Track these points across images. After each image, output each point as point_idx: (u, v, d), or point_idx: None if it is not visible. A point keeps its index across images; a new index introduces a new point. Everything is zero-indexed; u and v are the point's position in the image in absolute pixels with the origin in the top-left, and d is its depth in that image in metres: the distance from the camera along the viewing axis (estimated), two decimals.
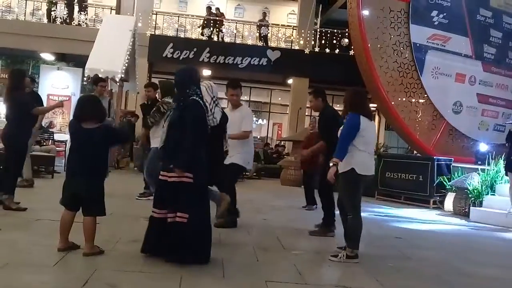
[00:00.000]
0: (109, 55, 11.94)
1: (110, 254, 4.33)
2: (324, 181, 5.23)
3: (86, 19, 18.02)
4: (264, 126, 22.41)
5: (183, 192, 4.19)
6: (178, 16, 19.91)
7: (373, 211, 8.88)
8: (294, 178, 12.66)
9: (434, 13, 12.77)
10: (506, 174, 8.88)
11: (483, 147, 11.99)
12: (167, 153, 4.30)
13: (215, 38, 19.05)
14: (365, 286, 4.19)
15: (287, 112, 20.03)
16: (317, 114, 6.79)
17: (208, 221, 4.36)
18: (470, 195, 9.42)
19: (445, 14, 12.88)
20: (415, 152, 13.11)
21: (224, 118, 5.32)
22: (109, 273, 3.79)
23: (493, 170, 9.69)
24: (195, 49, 18.08)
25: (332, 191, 6.11)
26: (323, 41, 19.14)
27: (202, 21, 19.37)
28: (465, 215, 9.33)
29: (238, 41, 19.50)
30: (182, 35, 19.37)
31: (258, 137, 21.91)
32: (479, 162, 11.16)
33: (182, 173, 4.16)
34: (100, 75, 10.56)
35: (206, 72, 18.06)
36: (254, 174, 14.64)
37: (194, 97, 4.34)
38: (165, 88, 6.71)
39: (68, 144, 7.25)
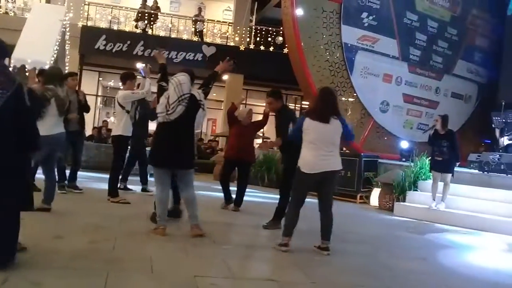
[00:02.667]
0: (37, 45, 11.55)
1: (33, 251, 4.21)
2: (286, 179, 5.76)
3: (14, 7, 17.26)
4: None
5: None
6: (112, 8, 19.42)
7: (303, 206, 9.07)
8: None
9: (364, 14, 13.20)
10: (429, 168, 9.35)
11: (404, 144, 12.58)
12: None
13: (150, 32, 18.78)
14: (293, 280, 4.31)
15: (222, 108, 20.07)
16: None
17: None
18: (394, 191, 9.86)
19: (374, 16, 13.35)
20: (344, 148, 13.51)
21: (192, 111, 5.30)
22: (32, 271, 3.68)
23: (417, 166, 10.19)
24: (128, 42, 17.76)
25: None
26: (258, 39, 19.33)
27: (136, 13, 19.02)
28: (390, 209, 9.74)
29: (173, 35, 19.31)
30: (115, 27, 18.92)
31: None
32: (404, 159, 11.71)
33: None
34: (27, 66, 10.18)
35: (140, 66, 17.75)
36: None
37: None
38: (47, 75, 6.41)
39: None
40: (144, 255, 4.40)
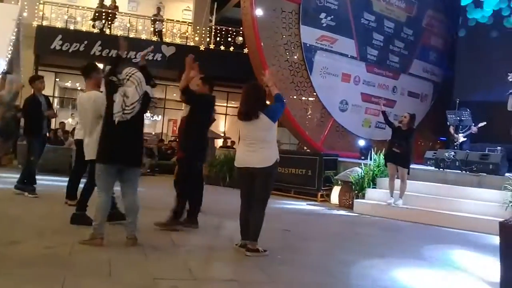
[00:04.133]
0: None
1: None
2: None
3: None
4: (159, 123, 22.14)
5: None
6: (68, 7, 19.01)
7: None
8: None
9: (323, 15, 13.35)
10: (385, 165, 9.53)
11: (362, 143, 12.80)
12: None
13: (108, 32, 18.47)
14: (254, 280, 4.33)
15: (182, 108, 19.89)
16: None
17: None
18: (353, 188, 10.02)
19: (332, 16, 13.51)
20: (305, 148, 13.66)
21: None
22: None
23: (375, 164, 10.39)
24: (85, 42, 17.42)
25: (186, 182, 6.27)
26: (218, 39, 19.30)
27: (93, 13, 18.67)
28: (350, 207, 9.88)
29: (132, 35, 19.04)
30: (72, 27, 18.52)
31: (153, 133, 21.63)
32: (363, 157, 11.92)
33: None
34: None
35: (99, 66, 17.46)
36: (148, 170, 14.44)
37: None
38: None
39: None
40: (102, 258, 4.33)
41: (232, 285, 4.02)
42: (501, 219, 7.08)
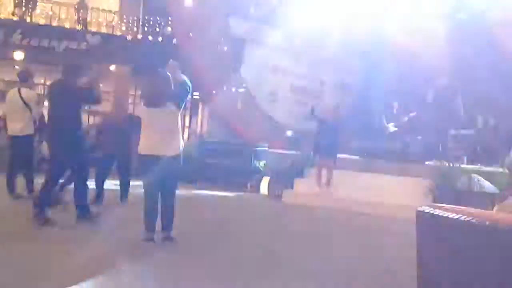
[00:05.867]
0: None
1: None
2: None
3: None
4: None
5: None
6: None
7: (194, 196, 9.08)
8: None
9: (252, 7, 13.36)
10: (314, 155, 9.72)
11: (292, 134, 12.99)
12: None
13: (28, 20, 17.55)
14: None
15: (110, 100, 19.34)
16: None
17: None
18: (282, 179, 10.15)
19: (262, 8, 13.54)
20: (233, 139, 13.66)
21: None
22: None
23: (303, 155, 10.56)
24: (4, 30, 16.48)
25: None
26: (146, 28, 18.84)
27: None
28: (279, 197, 10.01)
29: (54, 24, 18.20)
30: None
31: None
32: (292, 148, 12.08)
33: None
34: None
35: (19, 55, 16.59)
36: None
37: None
38: None
39: None
40: None
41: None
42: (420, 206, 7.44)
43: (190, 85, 5.32)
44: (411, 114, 12.74)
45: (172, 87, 5.12)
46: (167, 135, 5.10)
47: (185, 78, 5.30)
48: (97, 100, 5.97)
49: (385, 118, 12.83)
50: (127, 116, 7.88)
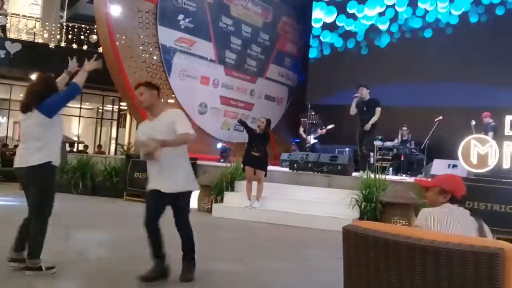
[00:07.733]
0: None
1: None
2: None
3: None
4: (4, 125, 20.27)
5: None
6: None
7: (118, 211, 8.74)
8: None
9: (181, 16, 13.23)
10: (243, 169, 9.62)
11: (221, 145, 12.91)
12: None
13: None
14: None
15: None
16: None
17: None
18: (212, 192, 9.99)
19: (191, 18, 13.46)
20: None
21: None
22: None
23: (233, 167, 10.46)
24: None
25: None
26: (70, 36, 18.18)
27: None
28: (209, 211, 9.83)
29: None
30: None
31: None
32: (222, 160, 11.98)
33: None
34: None
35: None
36: None
37: None
38: None
39: None
40: None
41: None
42: (348, 219, 7.55)
43: (76, 89, 4.90)
44: (329, 127, 13.09)
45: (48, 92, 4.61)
46: (33, 146, 4.53)
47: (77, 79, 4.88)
48: None
49: (303, 130, 13.10)
50: None
